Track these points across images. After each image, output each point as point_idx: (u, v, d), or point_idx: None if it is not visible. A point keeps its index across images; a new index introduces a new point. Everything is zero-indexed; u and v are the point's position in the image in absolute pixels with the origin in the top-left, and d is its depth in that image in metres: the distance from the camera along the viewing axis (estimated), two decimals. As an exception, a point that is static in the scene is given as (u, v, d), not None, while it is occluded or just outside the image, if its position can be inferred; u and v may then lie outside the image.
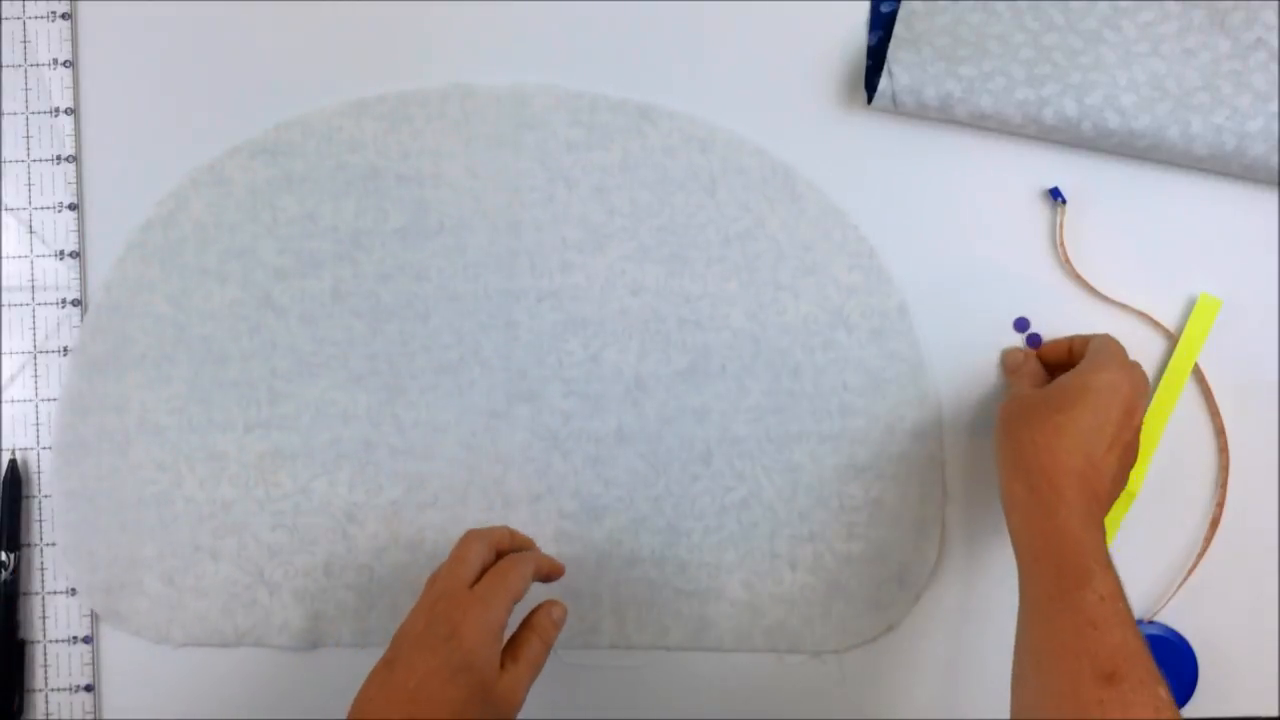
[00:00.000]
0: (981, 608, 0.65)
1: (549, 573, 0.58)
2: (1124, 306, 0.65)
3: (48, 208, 0.65)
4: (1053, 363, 0.63)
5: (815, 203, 0.65)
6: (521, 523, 0.64)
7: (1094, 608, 0.50)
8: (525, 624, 0.56)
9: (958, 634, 0.65)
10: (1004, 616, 0.65)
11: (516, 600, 0.54)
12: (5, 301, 0.65)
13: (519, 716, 0.54)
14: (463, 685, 0.51)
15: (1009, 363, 0.64)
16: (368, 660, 0.65)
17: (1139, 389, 0.57)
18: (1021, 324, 0.64)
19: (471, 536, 0.56)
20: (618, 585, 0.64)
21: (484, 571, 0.55)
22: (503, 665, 0.53)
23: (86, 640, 0.65)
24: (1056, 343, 0.63)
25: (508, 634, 0.55)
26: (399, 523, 0.64)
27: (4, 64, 0.65)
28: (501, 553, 0.57)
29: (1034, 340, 0.64)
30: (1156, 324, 0.65)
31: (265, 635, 0.64)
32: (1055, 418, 0.55)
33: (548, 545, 0.64)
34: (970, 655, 0.65)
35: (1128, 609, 0.51)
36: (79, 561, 0.64)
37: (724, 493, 0.64)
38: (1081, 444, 0.54)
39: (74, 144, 0.65)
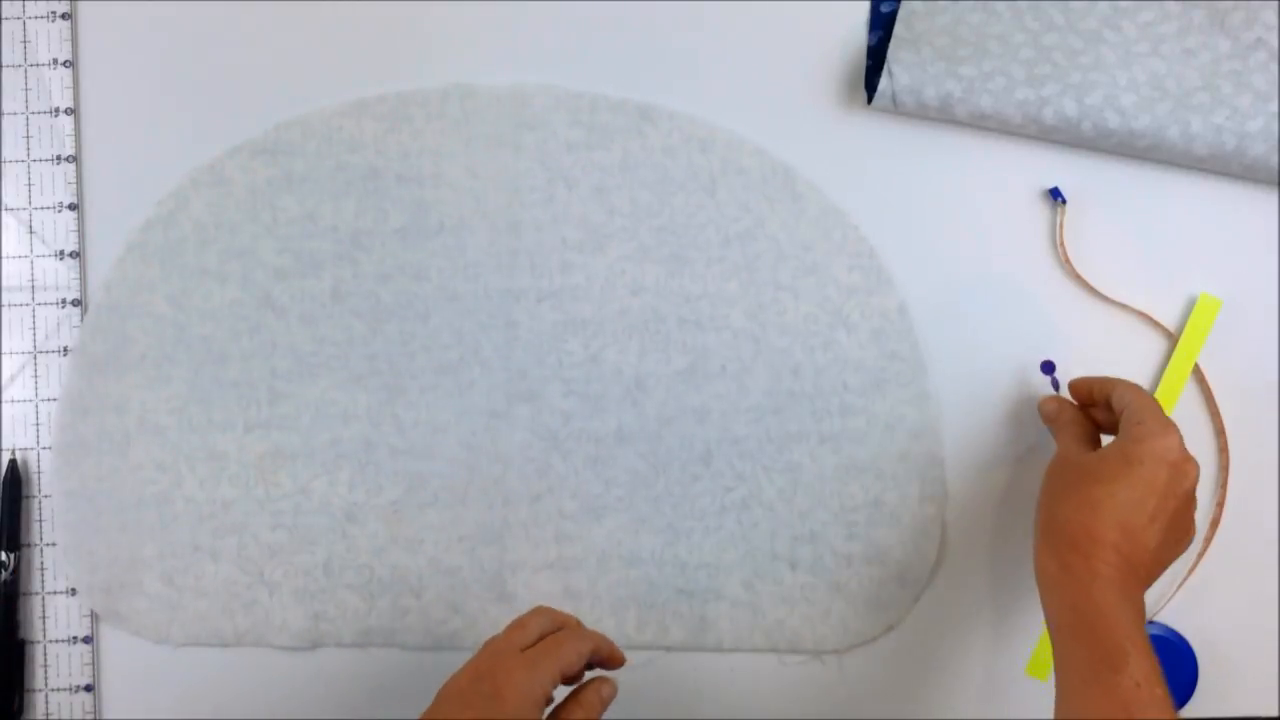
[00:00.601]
0: (981, 608, 0.65)
1: (608, 658, 0.55)
2: (1124, 306, 0.65)
3: (48, 208, 0.65)
4: (1080, 402, 0.61)
5: (815, 203, 0.65)
6: (521, 523, 0.64)
7: (1129, 693, 0.48)
8: (572, 696, 0.54)
9: (958, 634, 0.65)
10: (1004, 617, 0.65)
11: (566, 673, 0.52)
12: (5, 301, 0.65)
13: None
14: None
15: (1046, 413, 0.61)
16: (368, 660, 0.65)
17: (1188, 453, 0.54)
18: (1048, 367, 0.63)
19: (539, 609, 0.55)
20: (618, 585, 0.64)
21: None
22: None
23: (86, 640, 0.65)
24: (1078, 383, 0.61)
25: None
26: (399, 523, 0.64)
27: (4, 64, 0.65)
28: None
29: (1054, 378, 0.63)
30: (1156, 324, 0.65)
31: (265, 635, 0.64)
32: (1093, 491, 0.52)
33: (548, 545, 0.64)
34: (970, 655, 0.65)
35: (1165, 693, 0.49)
36: (79, 561, 0.64)
37: (724, 493, 0.64)
38: (1119, 517, 0.51)
39: (74, 144, 0.65)
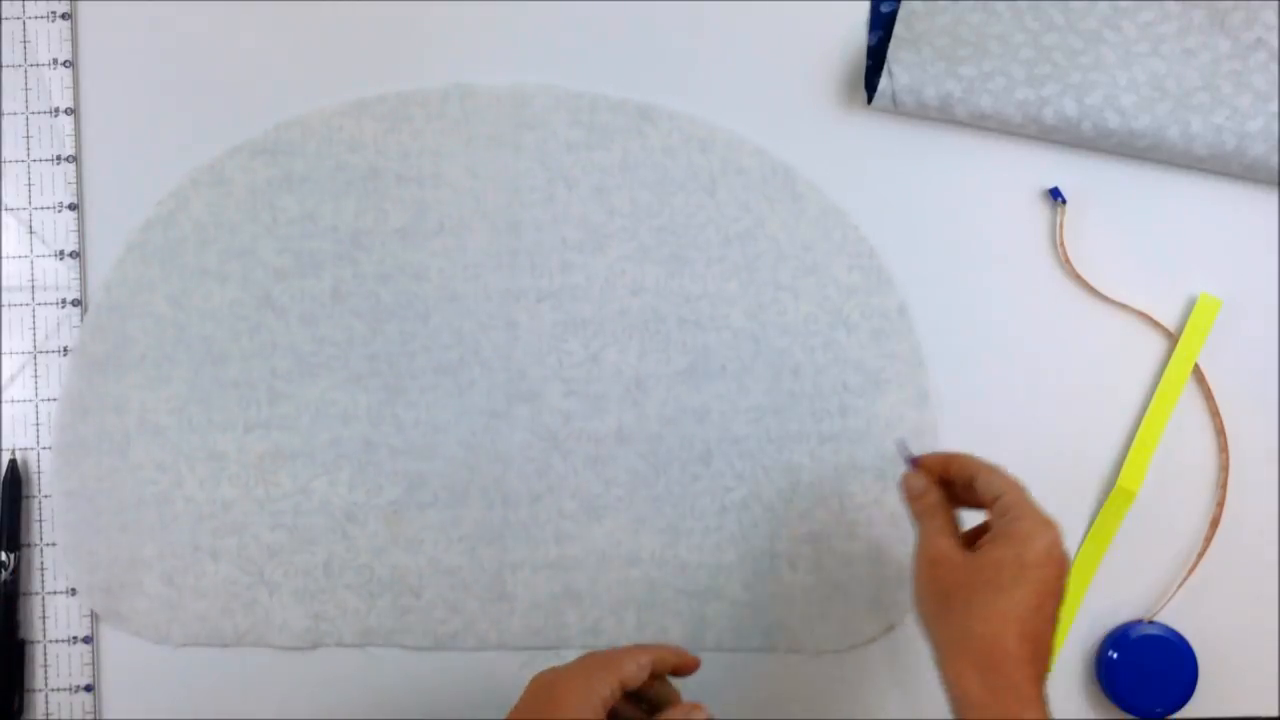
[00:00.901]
0: (981, 608, 0.65)
1: (677, 666, 0.54)
2: (1124, 306, 0.65)
3: (48, 208, 0.65)
4: (935, 478, 0.57)
5: (815, 203, 0.65)
6: (521, 523, 0.64)
7: None
8: (657, 716, 0.53)
9: (958, 634, 0.65)
10: (1004, 616, 0.65)
11: (625, 681, 0.51)
12: (5, 301, 0.65)
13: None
14: None
15: (911, 490, 0.56)
16: (368, 660, 0.65)
17: (1063, 544, 0.52)
18: (903, 447, 0.58)
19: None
20: (618, 585, 0.64)
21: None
22: None
23: (86, 640, 0.65)
24: (933, 459, 0.57)
25: None
26: (399, 523, 0.64)
27: (4, 64, 0.65)
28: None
29: (909, 456, 0.57)
30: (1156, 324, 0.65)
31: (265, 635, 0.64)
32: (999, 602, 0.50)
33: (548, 545, 0.64)
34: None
35: None
36: (79, 561, 0.64)
37: (724, 493, 0.64)
38: (1030, 629, 0.50)
39: (74, 144, 0.65)
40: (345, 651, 0.65)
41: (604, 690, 0.51)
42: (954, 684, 0.51)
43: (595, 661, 0.52)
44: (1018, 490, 0.53)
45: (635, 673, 0.52)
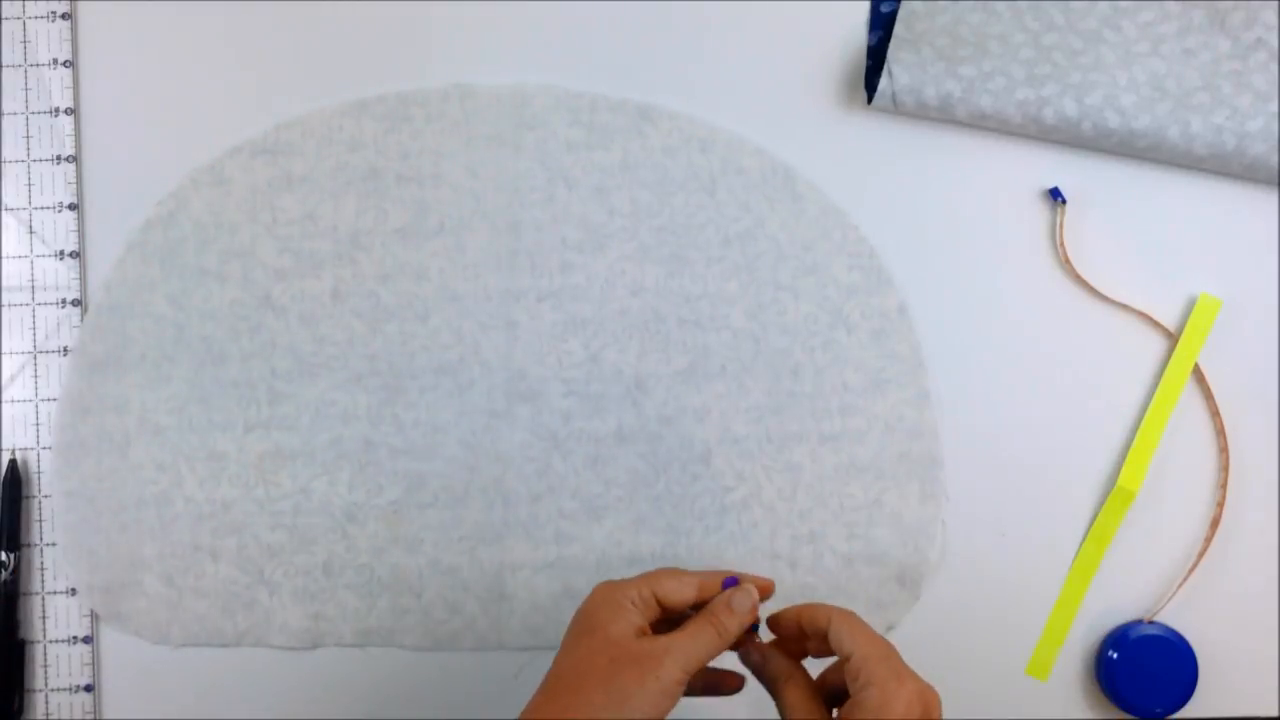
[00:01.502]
0: (981, 608, 0.65)
1: (706, 591, 0.51)
2: (1124, 306, 0.65)
3: (48, 208, 0.65)
4: (784, 637, 0.53)
5: (815, 203, 0.65)
6: (521, 523, 0.64)
7: None
8: (705, 609, 0.51)
9: (958, 634, 0.65)
10: (1004, 617, 0.65)
11: (663, 596, 0.50)
12: (5, 301, 0.65)
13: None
14: (585, 649, 0.48)
15: (752, 666, 0.52)
16: (368, 660, 0.65)
17: (925, 692, 0.47)
18: (732, 582, 0.53)
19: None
20: (618, 585, 0.64)
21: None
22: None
23: (86, 640, 0.65)
24: (782, 616, 0.53)
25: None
26: (399, 523, 0.64)
27: (4, 64, 0.65)
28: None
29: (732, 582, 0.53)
30: (1156, 324, 0.65)
31: (265, 635, 0.64)
32: None
33: (548, 545, 0.64)
34: (970, 655, 0.65)
35: None
36: (79, 561, 0.64)
37: (724, 493, 0.64)
38: None
39: (74, 144, 0.65)
40: (345, 651, 0.65)
41: (629, 589, 0.50)
42: None
43: (632, 579, 0.51)
44: (869, 647, 0.48)
45: (674, 587, 0.51)
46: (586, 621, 0.50)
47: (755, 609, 0.51)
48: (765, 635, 0.53)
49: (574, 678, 0.48)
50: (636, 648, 0.48)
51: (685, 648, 0.49)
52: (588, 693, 0.47)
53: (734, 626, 0.50)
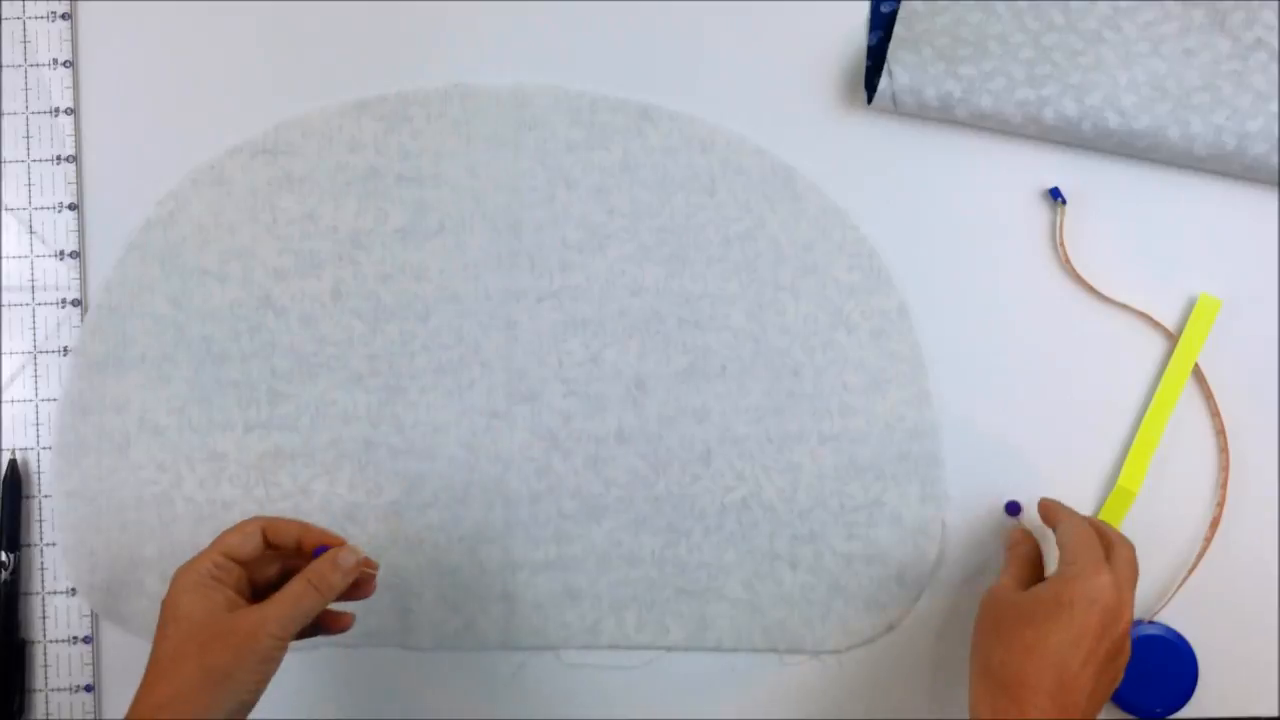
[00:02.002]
0: (981, 608, 0.65)
1: (301, 534, 0.55)
2: (1124, 306, 0.65)
3: (48, 208, 0.65)
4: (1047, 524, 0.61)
5: (815, 203, 0.65)
6: (521, 523, 0.64)
7: None
8: (304, 569, 0.54)
9: (958, 634, 0.65)
10: (1004, 616, 0.65)
11: (228, 551, 0.53)
12: (5, 301, 0.65)
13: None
14: (175, 636, 0.51)
15: (1008, 539, 0.62)
16: (367, 660, 0.65)
17: (1122, 593, 0.53)
18: (1013, 508, 0.64)
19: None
20: (618, 585, 0.64)
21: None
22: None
23: (86, 640, 0.65)
24: (1044, 505, 0.61)
25: None
26: (399, 523, 0.64)
27: (4, 64, 0.65)
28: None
29: (1013, 507, 0.64)
30: (1156, 324, 0.65)
31: (265, 635, 0.64)
32: (1025, 634, 0.52)
33: (548, 545, 0.64)
34: (970, 655, 0.65)
35: None
36: (79, 561, 0.64)
37: (724, 493, 0.64)
38: (1053, 661, 0.51)
39: (74, 144, 0.65)
40: (345, 651, 0.65)
41: (203, 562, 0.53)
42: (972, 707, 0.52)
43: (206, 548, 0.54)
44: (1083, 534, 0.55)
45: (240, 541, 0.54)
46: (171, 611, 0.52)
47: (359, 565, 0.54)
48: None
49: (169, 663, 0.50)
50: (227, 624, 0.51)
51: (282, 614, 0.51)
52: (186, 674, 0.49)
53: (339, 582, 0.53)
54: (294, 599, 0.52)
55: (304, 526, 0.56)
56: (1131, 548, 0.56)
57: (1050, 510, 0.60)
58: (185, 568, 0.53)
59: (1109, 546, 0.55)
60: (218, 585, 0.52)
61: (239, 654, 0.50)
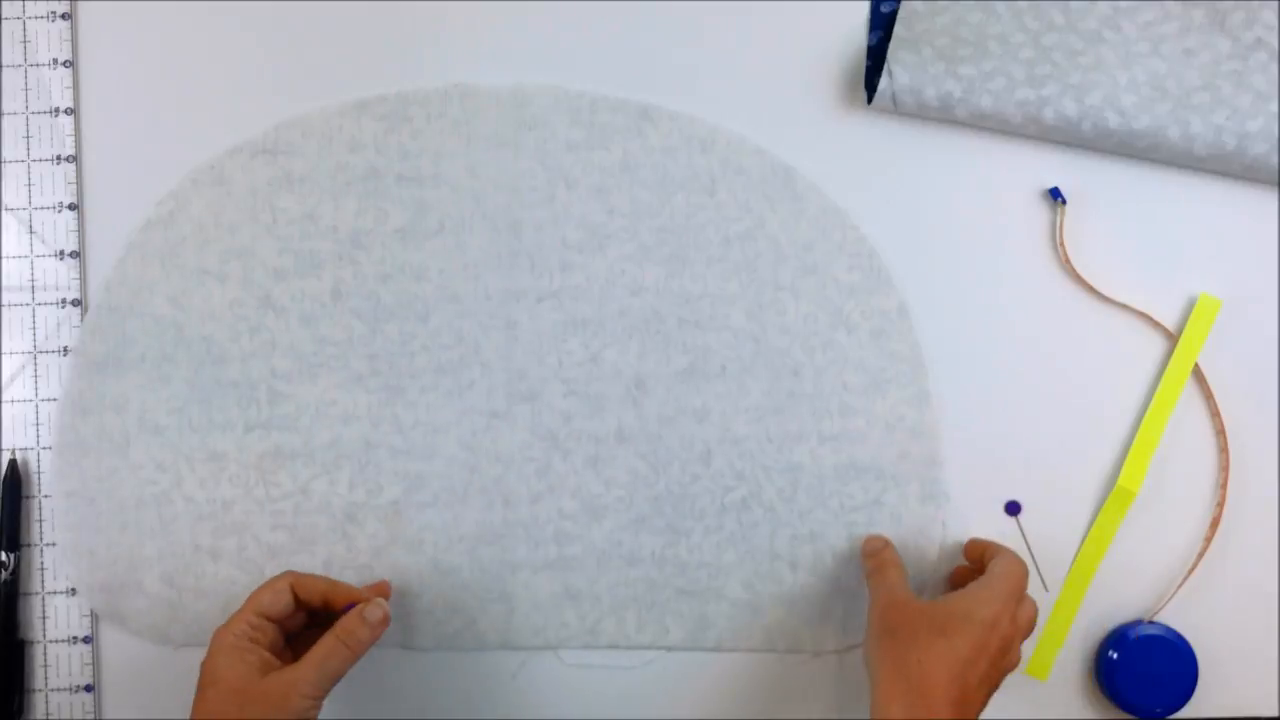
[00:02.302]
0: (981, 608, 0.65)
1: (327, 591, 0.58)
2: (1124, 306, 0.65)
3: (48, 208, 0.65)
4: (971, 560, 0.63)
5: (815, 203, 0.65)
6: (521, 523, 0.64)
7: None
8: (332, 626, 0.56)
9: (958, 634, 0.65)
10: (1004, 616, 0.65)
11: (261, 610, 0.56)
12: (5, 301, 0.65)
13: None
14: (214, 701, 0.53)
15: (867, 550, 0.63)
16: (367, 660, 0.65)
17: (1022, 629, 0.57)
18: (1013, 508, 0.65)
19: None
20: (618, 585, 0.64)
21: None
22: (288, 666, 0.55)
23: (86, 640, 0.65)
24: (976, 543, 0.63)
25: None
26: (399, 523, 0.64)
27: (4, 64, 0.65)
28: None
29: (1013, 507, 0.65)
30: (1156, 324, 0.65)
31: (265, 635, 0.64)
32: (939, 642, 0.55)
33: (548, 545, 0.64)
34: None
35: None
36: (79, 561, 0.64)
37: (724, 493, 0.64)
38: (960, 672, 0.54)
39: (74, 144, 0.65)
40: (345, 651, 0.65)
41: (239, 623, 0.55)
42: (880, 708, 0.55)
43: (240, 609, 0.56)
44: (1012, 567, 0.58)
45: (272, 599, 0.56)
46: (210, 675, 0.54)
47: (387, 618, 0.57)
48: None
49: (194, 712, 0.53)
50: (262, 689, 0.53)
51: (313, 675, 0.54)
52: None
53: (367, 637, 0.56)
54: (323, 658, 0.55)
55: (330, 583, 0.58)
56: (1033, 605, 0.58)
57: (985, 546, 0.62)
58: (223, 629, 0.55)
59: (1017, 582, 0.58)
60: (253, 647, 0.55)
61: (275, 713, 0.53)
